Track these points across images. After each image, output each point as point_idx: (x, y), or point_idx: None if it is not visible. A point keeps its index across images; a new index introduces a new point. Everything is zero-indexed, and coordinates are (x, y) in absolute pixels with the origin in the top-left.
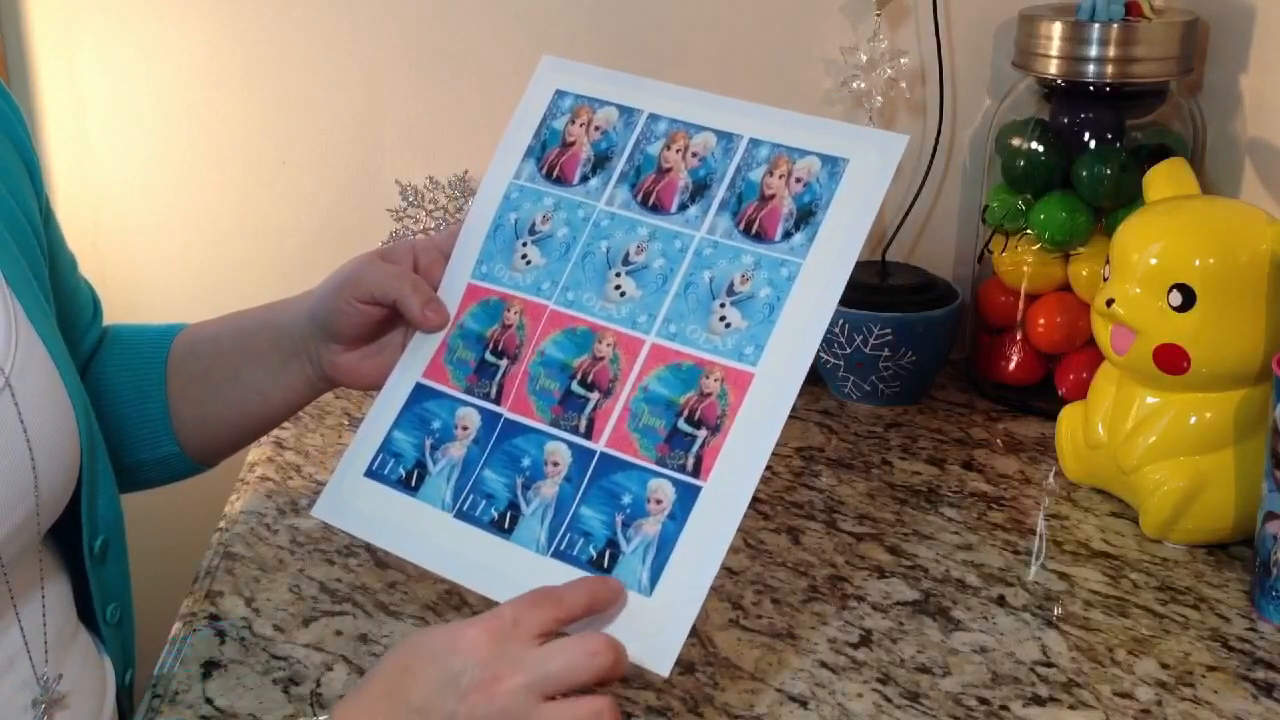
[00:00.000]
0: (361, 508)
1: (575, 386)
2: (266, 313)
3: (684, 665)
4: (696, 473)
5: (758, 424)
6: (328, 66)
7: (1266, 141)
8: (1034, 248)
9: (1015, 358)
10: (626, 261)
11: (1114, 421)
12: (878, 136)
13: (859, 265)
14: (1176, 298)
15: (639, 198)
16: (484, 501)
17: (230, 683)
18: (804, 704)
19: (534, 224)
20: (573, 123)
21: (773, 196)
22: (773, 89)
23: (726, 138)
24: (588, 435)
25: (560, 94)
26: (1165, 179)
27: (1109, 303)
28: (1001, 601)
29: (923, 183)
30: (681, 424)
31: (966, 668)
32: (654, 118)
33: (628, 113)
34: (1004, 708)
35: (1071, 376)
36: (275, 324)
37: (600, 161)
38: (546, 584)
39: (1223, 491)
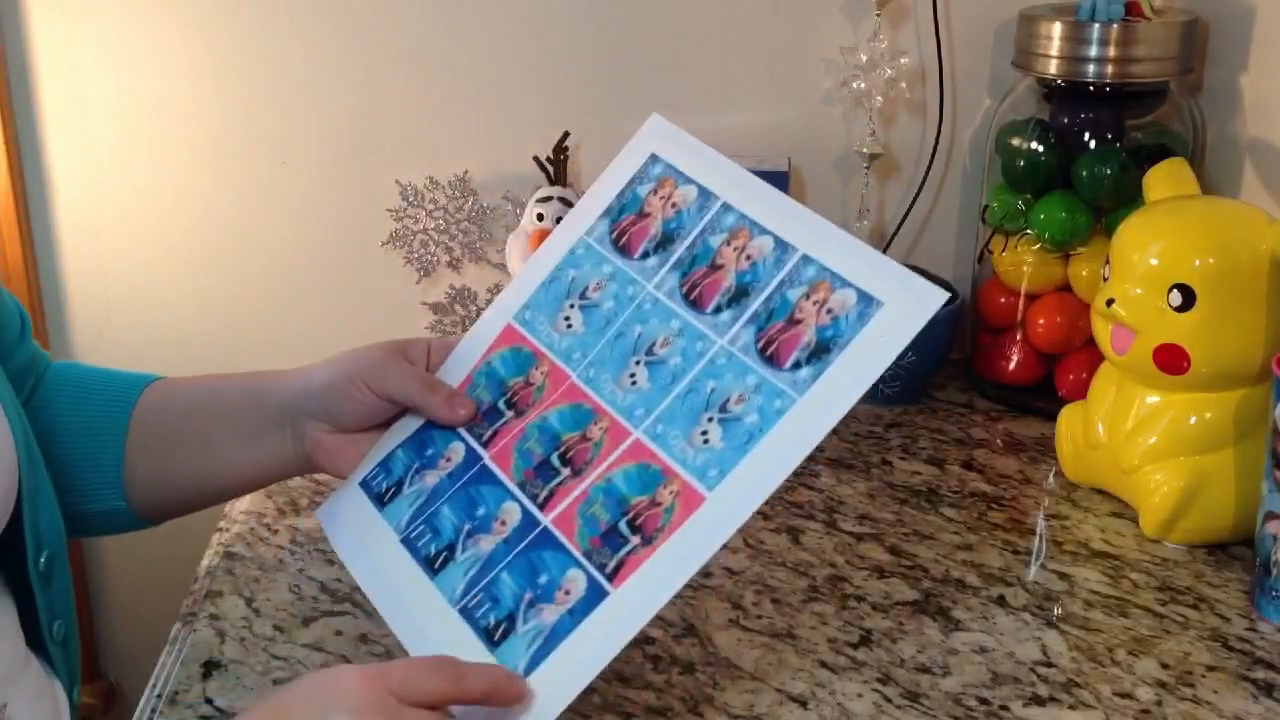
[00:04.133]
0: (345, 515)
1: (554, 459)
2: (254, 380)
3: (684, 665)
4: (612, 578)
5: (687, 548)
6: (327, 66)
7: (1266, 141)
8: (1034, 248)
9: (1015, 358)
10: (650, 352)
11: (1114, 421)
12: (918, 287)
13: None
14: (1176, 298)
15: (684, 288)
16: (429, 535)
17: (230, 683)
18: (804, 704)
19: (587, 288)
20: (654, 193)
21: (800, 321)
22: (773, 89)
23: (783, 247)
24: (542, 507)
25: (654, 159)
26: (1165, 179)
27: (1109, 303)
28: (1001, 601)
29: (923, 183)
30: (623, 525)
31: (966, 668)
32: (726, 208)
33: (705, 196)
34: (1004, 708)
35: (1071, 376)
36: (264, 391)
37: (665, 241)
38: (444, 640)
39: (1223, 491)
